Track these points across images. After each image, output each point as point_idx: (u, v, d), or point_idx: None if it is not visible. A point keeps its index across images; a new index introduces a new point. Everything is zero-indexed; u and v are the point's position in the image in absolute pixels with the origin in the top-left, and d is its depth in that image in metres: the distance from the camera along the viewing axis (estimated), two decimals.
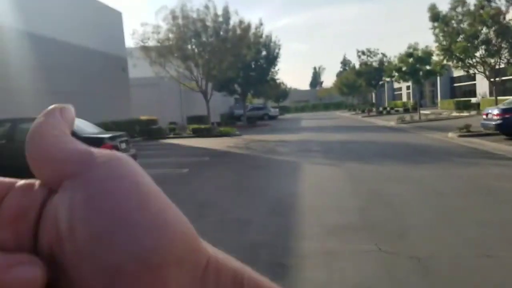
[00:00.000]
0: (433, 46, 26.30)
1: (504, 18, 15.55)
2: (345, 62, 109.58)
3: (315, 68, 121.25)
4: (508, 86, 27.89)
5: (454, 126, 19.93)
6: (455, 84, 38.74)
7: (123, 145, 9.75)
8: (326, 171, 10.14)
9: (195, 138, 22.32)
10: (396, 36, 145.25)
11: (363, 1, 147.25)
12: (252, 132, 26.30)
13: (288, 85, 64.38)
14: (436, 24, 17.27)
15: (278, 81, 43.92)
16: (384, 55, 41.29)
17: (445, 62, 17.29)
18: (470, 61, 16.73)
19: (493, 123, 13.70)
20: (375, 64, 41.96)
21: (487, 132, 15.25)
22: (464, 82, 36.46)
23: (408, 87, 52.55)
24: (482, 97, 30.93)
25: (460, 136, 15.65)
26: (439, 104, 39.20)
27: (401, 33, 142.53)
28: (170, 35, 23.13)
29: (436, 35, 17.30)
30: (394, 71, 27.08)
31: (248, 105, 50.73)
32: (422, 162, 10.45)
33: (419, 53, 25.87)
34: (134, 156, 10.35)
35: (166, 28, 23.40)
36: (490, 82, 16.84)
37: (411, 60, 25.96)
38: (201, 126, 23.57)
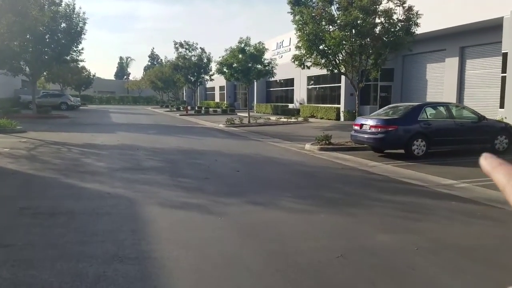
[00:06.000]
0: (266, 44, 23.51)
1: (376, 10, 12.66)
2: (153, 56, 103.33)
3: (121, 58, 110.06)
4: (329, 94, 27.51)
5: (297, 134, 17.14)
6: (271, 89, 37.84)
7: None
8: (202, 234, 4.69)
9: None
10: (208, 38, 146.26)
11: (170, 3, 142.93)
12: (44, 127, 18.18)
13: (92, 72, 53.95)
14: (298, 8, 13.51)
15: (81, 64, 34.88)
16: (203, 50, 37.32)
17: (306, 58, 13.79)
18: (337, 59, 13.55)
19: (373, 136, 10.73)
20: (194, 59, 37.60)
21: (353, 146, 12.51)
22: (280, 87, 35.70)
23: (221, 88, 50.42)
24: (300, 104, 30.15)
25: (322, 149, 12.44)
26: (255, 108, 37.60)
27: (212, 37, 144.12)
28: None
29: (297, 23, 13.55)
30: (225, 67, 23.05)
31: (40, 91, 39.59)
32: (349, 205, 6.20)
33: (251, 49, 22.62)
34: None
35: None
36: (353, 86, 13.96)
37: (240, 56, 22.47)
38: None
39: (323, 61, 13.57)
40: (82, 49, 27.19)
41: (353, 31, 12.16)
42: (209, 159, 10.50)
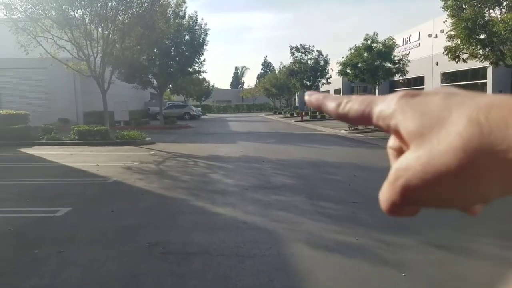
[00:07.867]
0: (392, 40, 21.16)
1: None
2: (266, 64, 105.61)
3: (236, 68, 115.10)
4: None
5: None
6: (395, 89, 34.64)
7: None
8: None
9: (80, 147, 14.22)
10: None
11: (281, 11, 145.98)
12: (170, 137, 18.69)
13: (211, 83, 56.84)
14: None
15: (203, 74, 36.38)
16: (320, 52, 35.83)
17: (461, 50, 11.38)
18: (503, 49, 10.87)
19: None
20: (310, 62, 36.31)
21: None
22: (406, 87, 32.41)
23: (337, 91, 48.35)
24: None
25: None
26: None
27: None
28: None
29: (449, 8, 11.20)
30: (348, 68, 21.27)
31: (166, 102, 42.56)
32: None
33: (380, 46, 20.45)
34: None
35: None
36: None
37: (366, 54, 20.42)
38: (92, 128, 15.41)
39: (481, 52, 10.91)
40: (204, 60, 28.09)
41: None
42: (345, 173, 9.00)
